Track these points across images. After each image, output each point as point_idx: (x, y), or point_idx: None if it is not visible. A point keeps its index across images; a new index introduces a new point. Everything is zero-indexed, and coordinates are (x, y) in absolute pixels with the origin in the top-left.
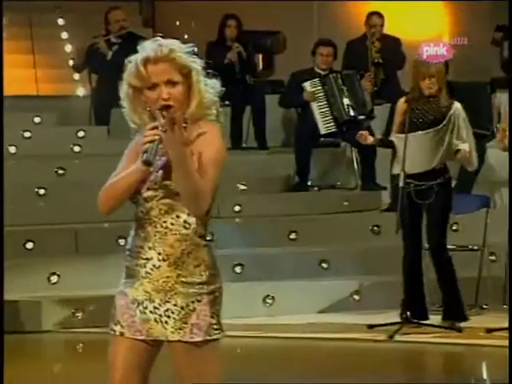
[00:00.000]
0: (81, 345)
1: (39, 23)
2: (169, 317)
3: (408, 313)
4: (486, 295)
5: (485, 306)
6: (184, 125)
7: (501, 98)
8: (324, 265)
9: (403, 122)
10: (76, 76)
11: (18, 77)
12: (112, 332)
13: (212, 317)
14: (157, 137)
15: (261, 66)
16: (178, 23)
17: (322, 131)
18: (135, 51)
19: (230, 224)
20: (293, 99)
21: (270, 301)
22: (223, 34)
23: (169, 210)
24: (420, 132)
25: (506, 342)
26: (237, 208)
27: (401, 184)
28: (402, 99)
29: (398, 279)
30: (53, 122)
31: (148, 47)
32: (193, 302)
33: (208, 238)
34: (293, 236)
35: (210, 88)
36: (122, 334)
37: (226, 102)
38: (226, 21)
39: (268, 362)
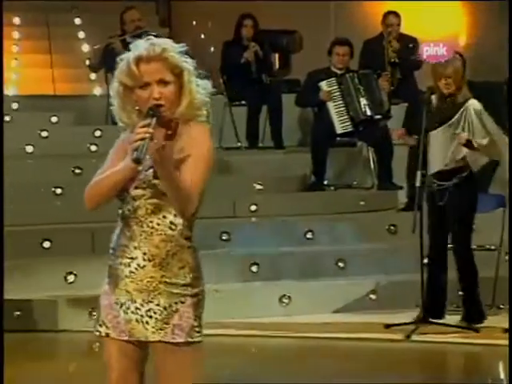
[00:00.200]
0: (97, 344)
1: (56, 23)
2: (150, 317)
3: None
4: (504, 295)
5: (502, 306)
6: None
7: None
8: (340, 264)
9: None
10: (93, 76)
11: (35, 76)
12: (97, 333)
13: (195, 319)
14: (147, 135)
15: (277, 66)
16: (194, 23)
17: (339, 131)
18: None
19: (247, 223)
20: (309, 99)
21: (286, 300)
22: (240, 33)
23: (156, 209)
24: (435, 131)
25: None
26: (253, 207)
27: (417, 184)
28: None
29: (415, 278)
30: (70, 122)
31: (140, 46)
32: (176, 302)
33: (193, 244)
34: (309, 235)
35: (201, 89)
36: (107, 334)
37: (243, 102)
38: (243, 20)
39: (284, 361)
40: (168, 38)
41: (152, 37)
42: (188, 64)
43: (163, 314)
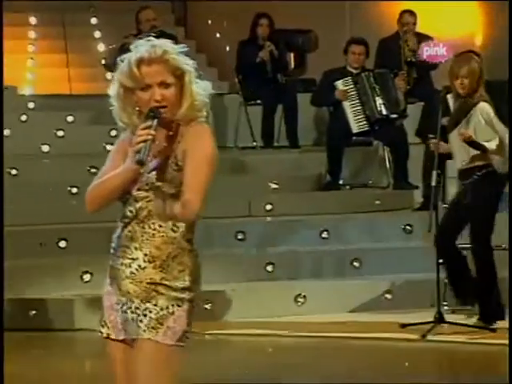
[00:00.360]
0: None
1: (72, 22)
2: (145, 315)
3: (440, 311)
4: None
5: None
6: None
7: None
8: (356, 264)
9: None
10: (108, 75)
11: (51, 76)
12: (100, 334)
13: (188, 324)
14: (149, 137)
15: (293, 65)
16: (209, 22)
17: (354, 130)
18: None
19: (262, 223)
20: (325, 98)
21: (301, 300)
22: (255, 32)
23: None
24: (452, 132)
25: None
26: (268, 207)
27: (433, 183)
28: None
29: (431, 278)
30: (86, 121)
31: (141, 48)
32: (173, 305)
33: (194, 247)
34: (324, 235)
35: (201, 90)
36: (108, 335)
37: (258, 101)
38: (258, 20)
39: (299, 361)
40: (184, 37)
41: (152, 38)
42: (189, 65)
43: (159, 314)
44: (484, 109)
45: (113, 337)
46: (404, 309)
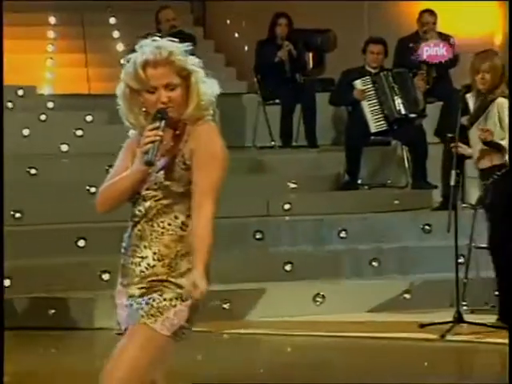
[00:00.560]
0: None
1: (91, 22)
2: (147, 303)
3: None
4: None
5: None
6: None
7: None
8: (374, 263)
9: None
10: None
11: (70, 76)
12: (115, 332)
13: (187, 321)
14: (157, 137)
15: (311, 65)
16: (228, 22)
17: (373, 129)
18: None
19: (280, 222)
20: (343, 97)
21: (319, 299)
22: (274, 32)
23: (168, 210)
24: (472, 129)
25: None
26: (287, 206)
27: (452, 183)
28: None
29: (450, 278)
30: (104, 121)
31: (146, 48)
32: (177, 298)
33: None
34: (343, 234)
35: (208, 88)
36: (120, 334)
37: (277, 101)
38: (277, 19)
39: (317, 360)
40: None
41: (157, 38)
42: (194, 65)
43: (161, 303)
44: (502, 104)
45: (123, 333)
46: (423, 309)
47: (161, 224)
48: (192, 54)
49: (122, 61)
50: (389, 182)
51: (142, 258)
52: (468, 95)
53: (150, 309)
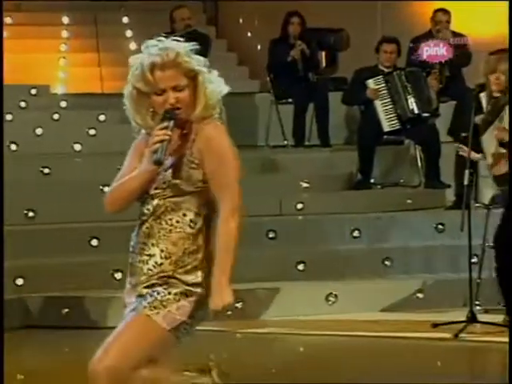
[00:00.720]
0: None
1: (104, 22)
2: (151, 295)
3: (473, 310)
4: None
5: None
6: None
7: None
8: (387, 263)
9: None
10: None
11: (83, 75)
12: None
13: (190, 317)
14: (166, 137)
15: (324, 64)
16: (241, 21)
17: (386, 129)
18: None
19: (293, 222)
20: (356, 97)
21: (332, 299)
22: (286, 31)
23: (176, 207)
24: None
25: None
26: (299, 206)
27: (465, 182)
28: None
29: (463, 277)
30: (117, 120)
31: (153, 50)
32: (181, 293)
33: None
34: (356, 234)
35: (215, 88)
36: None
37: (289, 100)
38: (290, 18)
39: (330, 360)
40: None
41: (162, 38)
42: (201, 65)
43: (165, 297)
44: None
45: None
46: (436, 308)
47: (169, 221)
48: (204, 55)
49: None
50: (402, 181)
51: (150, 255)
52: (482, 94)
53: (153, 301)
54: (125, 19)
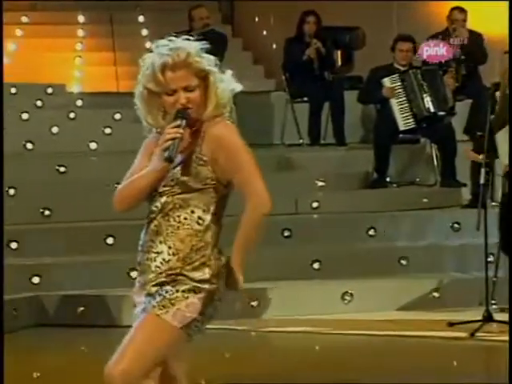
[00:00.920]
0: None
1: (120, 21)
2: (160, 295)
3: (489, 309)
4: None
5: None
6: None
7: None
8: (403, 261)
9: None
10: None
11: (98, 74)
12: None
13: (200, 314)
14: (178, 135)
15: (339, 62)
16: (256, 20)
17: (402, 127)
18: (214, 48)
19: (308, 220)
20: (372, 95)
21: (348, 297)
22: (302, 30)
23: (184, 204)
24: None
25: None
26: (315, 204)
27: (481, 181)
28: None
29: (479, 276)
30: (133, 119)
31: (163, 49)
32: (190, 290)
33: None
34: (371, 232)
35: (227, 87)
36: None
37: (305, 99)
38: (305, 17)
39: (346, 358)
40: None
41: (173, 37)
42: (212, 64)
43: (174, 295)
44: None
45: None
46: (452, 307)
47: (177, 218)
48: (221, 54)
49: (139, 60)
50: (417, 180)
51: (158, 253)
52: (498, 93)
53: (162, 299)
54: (140, 18)
